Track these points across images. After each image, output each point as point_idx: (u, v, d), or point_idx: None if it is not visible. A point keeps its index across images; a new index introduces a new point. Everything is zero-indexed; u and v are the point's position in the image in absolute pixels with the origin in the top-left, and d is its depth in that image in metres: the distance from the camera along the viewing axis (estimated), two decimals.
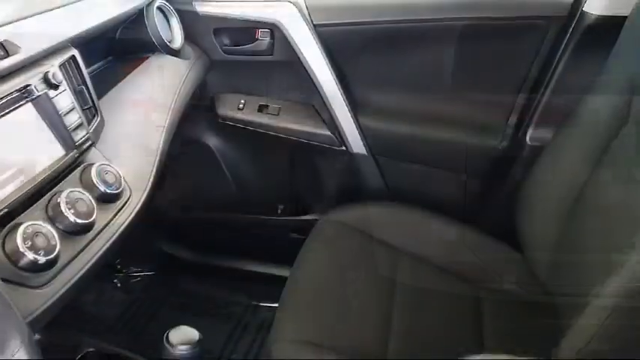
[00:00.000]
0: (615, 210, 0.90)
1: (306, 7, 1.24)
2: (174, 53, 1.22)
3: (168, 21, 1.25)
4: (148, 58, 1.16)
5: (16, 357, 0.45)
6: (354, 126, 1.33)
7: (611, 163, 0.97)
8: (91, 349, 1.11)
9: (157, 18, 1.18)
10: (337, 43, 1.27)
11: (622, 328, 0.70)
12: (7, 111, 0.71)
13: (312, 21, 1.24)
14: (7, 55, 0.74)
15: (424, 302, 1.08)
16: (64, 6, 0.91)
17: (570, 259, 1.00)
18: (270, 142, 1.42)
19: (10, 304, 0.46)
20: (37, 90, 0.74)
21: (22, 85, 0.73)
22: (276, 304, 1.05)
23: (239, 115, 1.40)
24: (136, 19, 1.16)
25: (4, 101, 0.71)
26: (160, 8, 1.20)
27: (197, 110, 1.37)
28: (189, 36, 1.30)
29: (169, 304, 1.51)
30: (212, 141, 1.47)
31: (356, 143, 1.36)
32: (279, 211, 1.57)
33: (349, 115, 1.32)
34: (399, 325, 1.02)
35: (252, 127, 1.41)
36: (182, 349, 0.72)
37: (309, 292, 1.06)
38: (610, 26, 1.00)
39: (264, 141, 1.42)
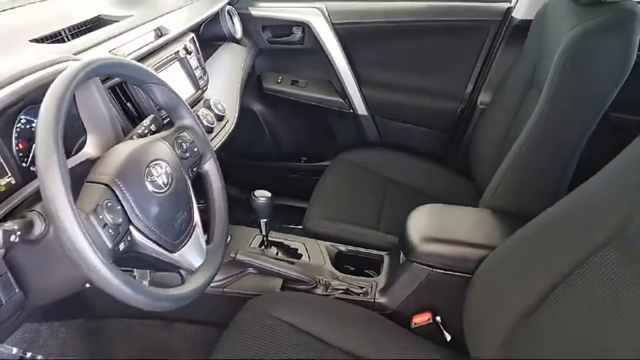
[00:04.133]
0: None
1: (328, 12, 1.81)
2: (237, 42, 1.77)
3: (232, 20, 1.79)
4: (221, 45, 1.71)
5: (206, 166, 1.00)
6: (359, 95, 1.89)
7: (523, 114, 1.47)
8: None
9: (227, 18, 1.73)
10: (349, 36, 1.83)
11: (513, 185, 1.23)
12: (166, 66, 1.27)
13: (331, 21, 1.81)
14: (162, 34, 1.30)
15: (403, 209, 1.61)
16: (180, 8, 1.48)
17: None
18: (298, 108, 1.97)
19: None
20: (181, 54, 1.31)
21: (174, 52, 1.29)
22: (301, 227, 1.54)
23: (277, 88, 1.96)
24: (212, 20, 1.70)
25: (164, 60, 1.26)
26: (228, 11, 1.76)
27: (247, 84, 1.93)
28: (245, 31, 1.85)
29: None
30: (257, 107, 2.01)
31: (360, 107, 1.91)
32: (302, 162, 2.12)
33: (356, 87, 1.88)
34: (386, 217, 1.55)
35: (286, 96, 1.96)
36: (262, 199, 1.26)
37: (329, 193, 1.61)
38: (527, 25, 1.52)
39: (294, 107, 1.97)
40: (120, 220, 0.75)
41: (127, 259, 0.79)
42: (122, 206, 0.77)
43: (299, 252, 1.35)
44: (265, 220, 1.29)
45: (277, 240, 1.39)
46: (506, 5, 1.68)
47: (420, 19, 1.75)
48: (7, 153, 0.84)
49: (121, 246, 0.75)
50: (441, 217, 1.23)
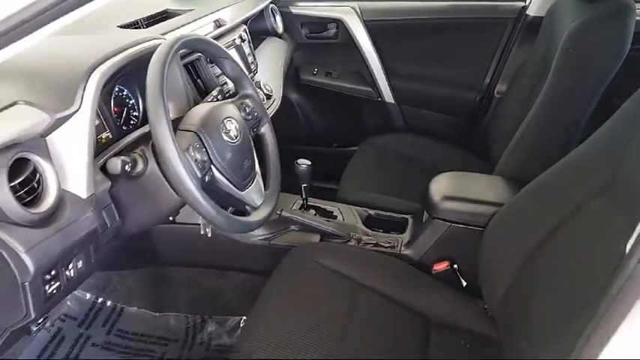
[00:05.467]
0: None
1: (360, 10, 2.02)
2: (279, 37, 1.99)
3: (275, 17, 2.01)
4: (264, 39, 1.94)
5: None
6: (387, 85, 2.09)
7: (535, 101, 1.66)
8: None
9: (270, 15, 1.95)
10: (378, 32, 2.03)
11: (521, 155, 1.42)
12: None
13: (363, 18, 2.02)
14: (220, 25, 1.53)
15: (425, 181, 1.79)
16: (230, 5, 1.70)
17: None
18: (332, 97, 2.17)
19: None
20: (237, 42, 1.53)
21: (231, 40, 1.51)
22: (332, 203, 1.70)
23: (313, 78, 2.18)
24: (258, 16, 1.91)
25: (224, 46, 1.48)
26: (271, 9, 1.98)
27: (286, 76, 2.14)
28: (285, 26, 2.06)
29: None
30: (293, 96, 2.22)
31: (388, 96, 2.11)
32: (333, 147, 2.32)
33: (384, 77, 2.08)
34: (410, 189, 1.71)
35: (321, 86, 2.17)
36: (303, 166, 1.47)
37: (359, 169, 1.81)
38: (540, 22, 1.70)
39: (328, 96, 2.17)
40: (205, 158, 0.97)
41: (208, 191, 1.00)
42: (206, 149, 0.98)
43: (334, 214, 1.55)
44: (305, 185, 1.50)
45: (315, 204, 1.59)
46: (521, 4, 1.87)
47: (443, 16, 1.96)
48: (108, 114, 1.06)
49: (206, 178, 0.97)
50: (459, 180, 1.42)
